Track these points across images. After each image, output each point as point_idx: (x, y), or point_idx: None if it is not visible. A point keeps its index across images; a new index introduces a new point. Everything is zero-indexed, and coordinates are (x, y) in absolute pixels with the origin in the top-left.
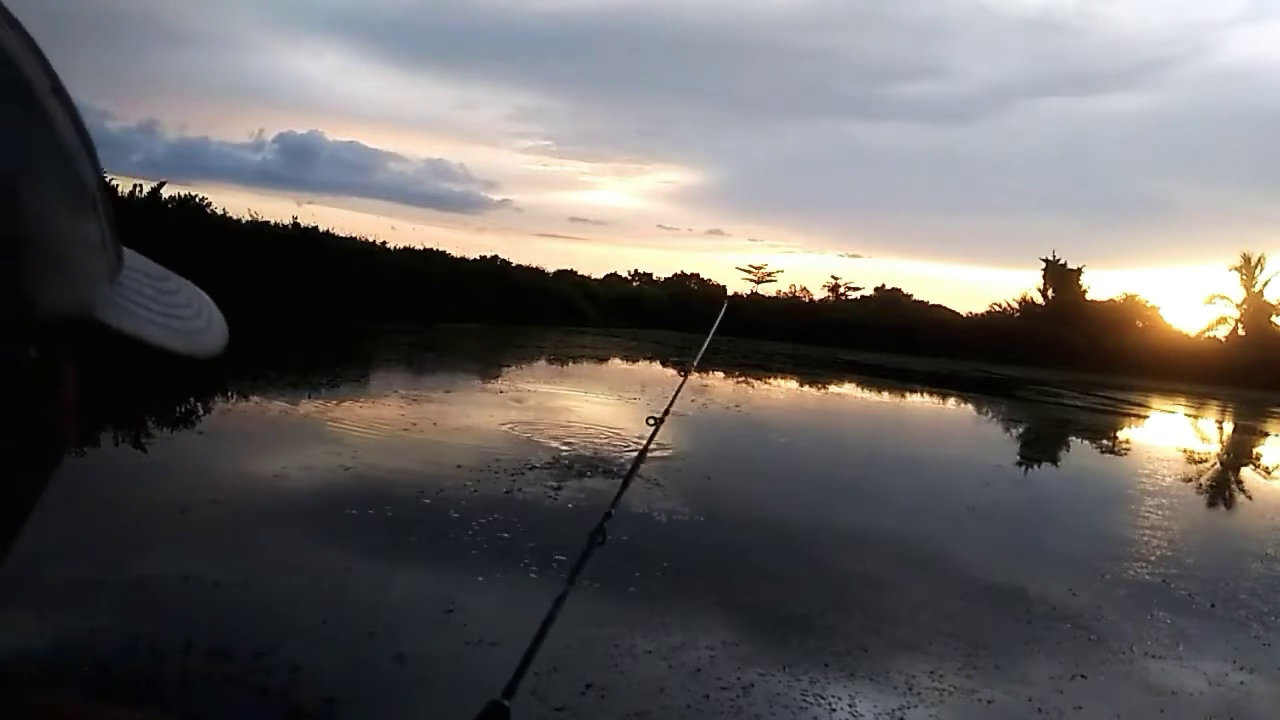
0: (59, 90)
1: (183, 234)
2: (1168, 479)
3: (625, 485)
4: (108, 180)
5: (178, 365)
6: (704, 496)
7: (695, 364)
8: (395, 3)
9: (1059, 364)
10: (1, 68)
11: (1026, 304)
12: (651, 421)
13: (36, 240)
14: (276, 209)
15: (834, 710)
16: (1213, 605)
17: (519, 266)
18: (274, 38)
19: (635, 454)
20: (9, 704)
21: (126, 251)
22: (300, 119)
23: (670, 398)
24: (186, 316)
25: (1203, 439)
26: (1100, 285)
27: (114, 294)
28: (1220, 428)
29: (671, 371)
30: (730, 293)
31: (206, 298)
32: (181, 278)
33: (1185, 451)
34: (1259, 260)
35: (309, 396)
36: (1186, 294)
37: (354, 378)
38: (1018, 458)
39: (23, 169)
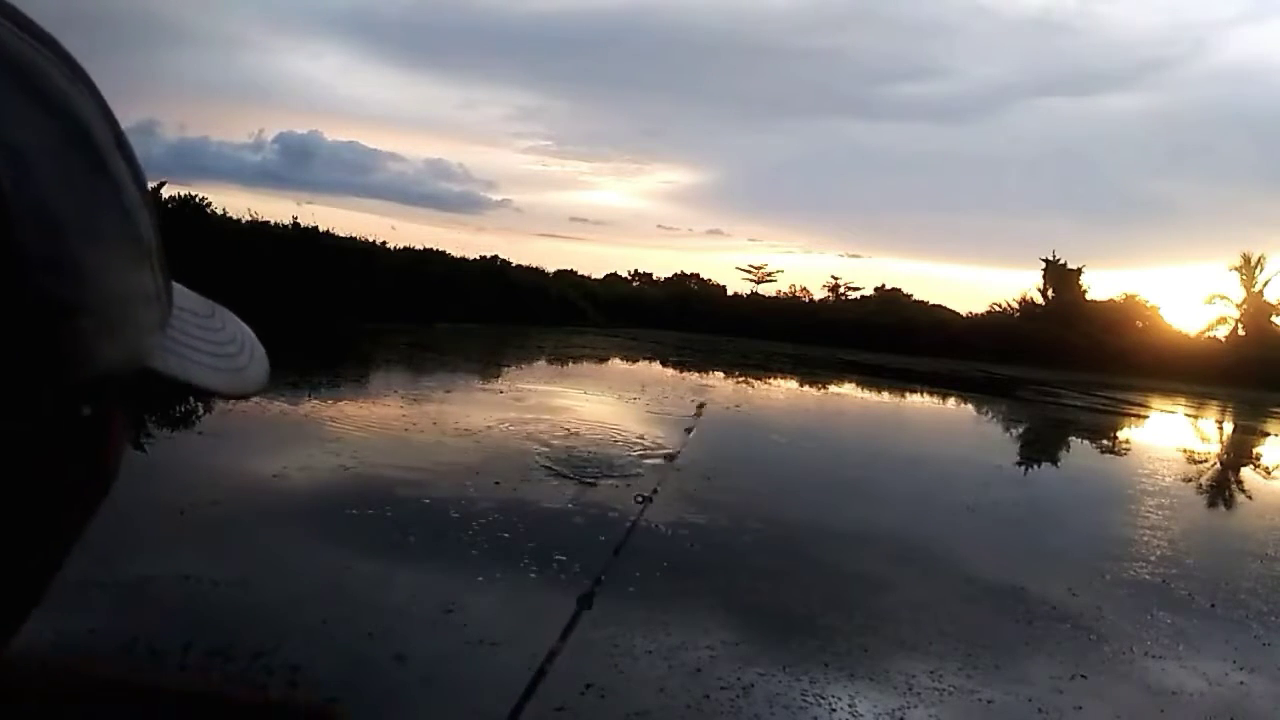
0: (122, 145)
1: (183, 234)
2: (1168, 479)
3: (617, 552)
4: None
5: (221, 399)
6: (704, 497)
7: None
8: (395, 3)
9: (1059, 364)
10: (71, 125)
11: (1026, 304)
12: (640, 500)
13: (95, 303)
14: (276, 209)
15: (834, 710)
16: (1213, 605)
17: (519, 266)
18: (274, 38)
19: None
20: None
21: (175, 288)
22: (300, 119)
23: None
24: (231, 354)
25: (1203, 439)
26: (1100, 285)
27: (164, 340)
28: (1220, 428)
29: (672, 371)
30: (730, 293)
31: (248, 330)
32: (224, 309)
33: (1185, 451)
34: (1259, 260)
35: (309, 396)
36: (1186, 294)
37: (354, 378)
38: (1018, 458)
39: (89, 232)
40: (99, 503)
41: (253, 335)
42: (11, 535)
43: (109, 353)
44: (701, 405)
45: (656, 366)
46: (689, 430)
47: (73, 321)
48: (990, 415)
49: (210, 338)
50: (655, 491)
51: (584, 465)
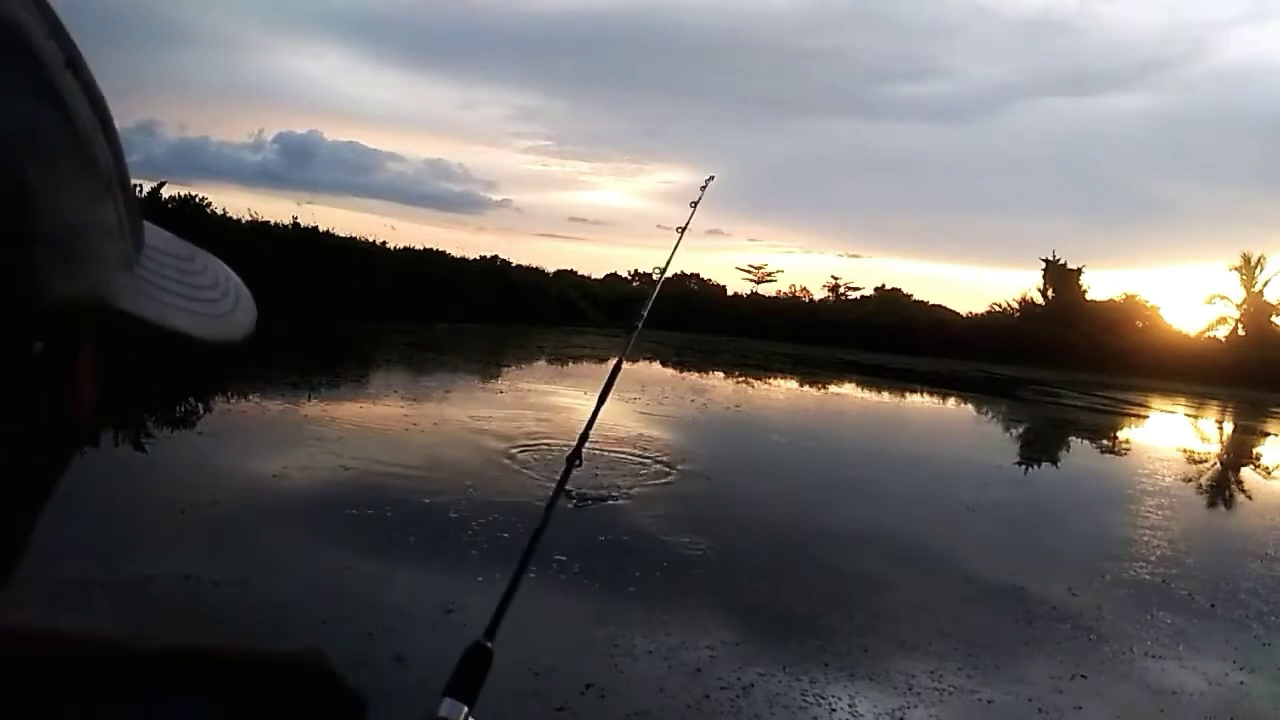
0: (74, 64)
1: (182, 234)
2: (1168, 479)
3: (597, 411)
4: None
5: (205, 350)
6: (704, 497)
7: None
8: (395, 3)
9: (1059, 364)
10: (12, 42)
11: (1026, 304)
12: (576, 464)
13: (45, 228)
14: (276, 209)
15: (834, 710)
16: (1213, 605)
17: (519, 266)
18: (274, 38)
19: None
20: None
21: (149, 229)
22: (300, 119)
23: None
24: (213, 299)
25: (1203, 439)
26: (1100, 285)
27: (133, 280)
28: (1220, 428)
29: (672, 371)
30: (730, 293)
31: (233, 275)
32: (207, 253)
33: (1185, 451)
34: (1259, 260)
35: (308, 396)
36: (1186, 294)
37: (354, 378)
38: (1018, 458)
39: (30, 151)
40: (69, 452)
41: (238, 280)
42: None
43: (61, 285)
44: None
45: (656, 366)
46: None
47: (20, 248)
48: (990, 415)
49: (190, 282)
50: (579, 459)
51: (585, 464)
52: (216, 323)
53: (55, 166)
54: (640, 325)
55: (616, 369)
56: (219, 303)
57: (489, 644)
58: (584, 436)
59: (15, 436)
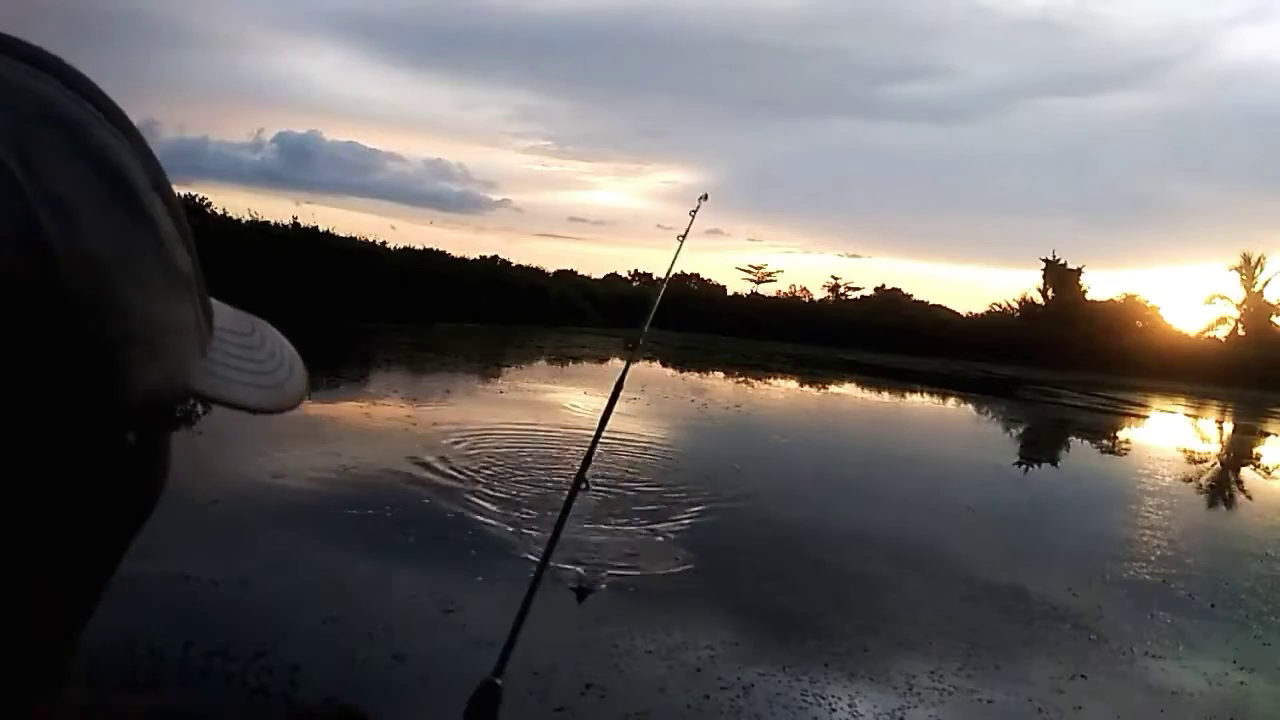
0: (160, 186)
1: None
2: (1168, 479)
3: (599, 436)
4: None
5: (264, 414)
6: (704, 496)
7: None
8: (395, 3)
9: (1059, 364)
10: (112, 174)
11: (1026, 304)
12: (584, 487)
13: (137, 335)
14: (276, 209)
15: (834, 710)
16: (1213, 605)
17: (519, 266)
18: (274, 38)
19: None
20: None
21: (216, 307)
22: (299, 119)
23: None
24: (271, 369)
25: (1203, 439)
26: (1100, 285)
27: (207, 364)
28: (1220, 428)
29: (672, 371)
30: (730, 293)
31: (285, 342)
32: (263, 323)
33: (1185, 451)
34: (1259, 260)
35: (308, 397)
36: (1186, 294)
37: (353, 378)
38: (1018, 458)
39: (125, 268)
40: (144, 522)
41: (291, 348)
42: (63, 561)
43: (151, 381)
44: (631, 346)
45: (656, 366)
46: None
47: (116, 355)
48: (990, 415)
49: (250, 356)
50: (588, 482)
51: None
52: (274, 393)
53: (145, 278)
54: (634, 355)
55: (615, 396)
56: (275, 373)
57: (498, 681)
58: (586, 460)
59: (104, 519)
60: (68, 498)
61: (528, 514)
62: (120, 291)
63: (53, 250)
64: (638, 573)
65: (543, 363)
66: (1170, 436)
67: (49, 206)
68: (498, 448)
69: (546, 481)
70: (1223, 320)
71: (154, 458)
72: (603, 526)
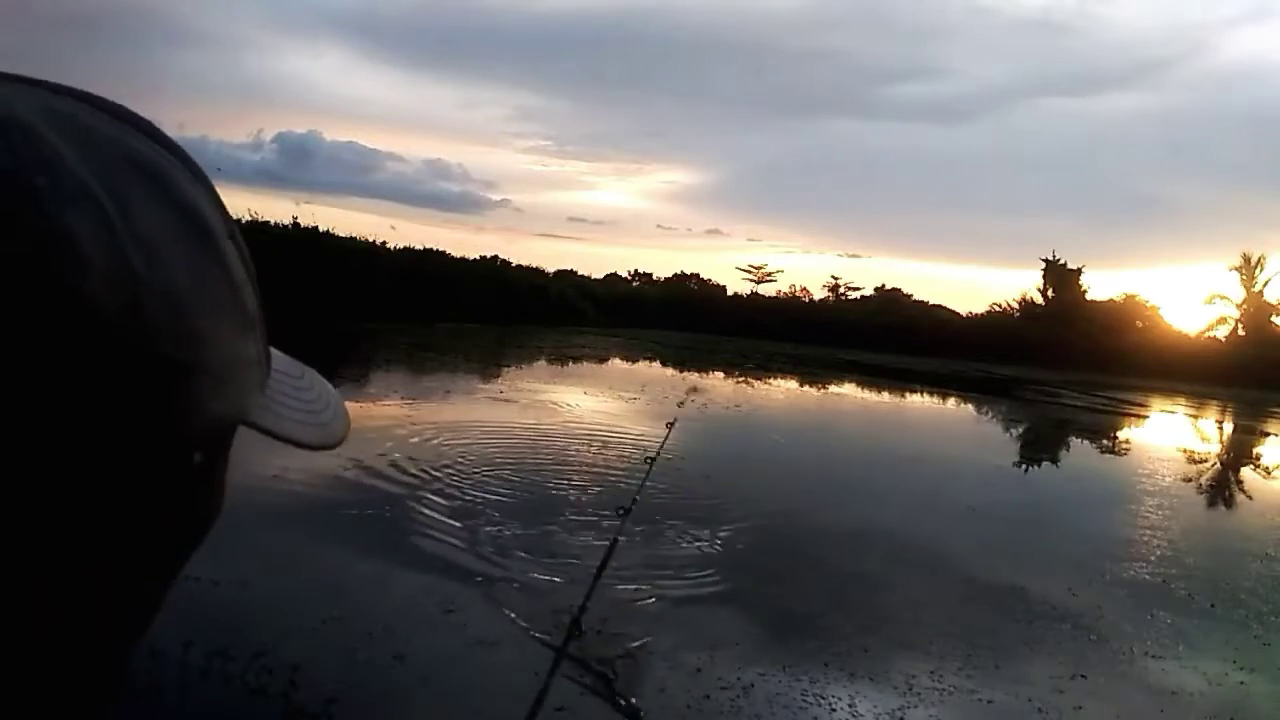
0: (234, 235)
1: None
2: (1168, 479)
3: (599, 576)
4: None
5: (309, 450)
6: (704, 496)
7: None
8: (395, 3)
9: (1059, 364)
10: (191, 219)
11: (1026, 304)
12: (620, 512)
13: (208, 364)
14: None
15: (834, 710)
16: (1213, 605)
17: (518, 266)
18: (274, 38)
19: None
20: None
21: (273, 353)
22: (299, 119)
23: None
24: (318, 410)
25: (1203, 439)
26: (1100, 285)
27: (264, 400)
28: (1220, 428)
29: (672, 371)
30: (730, 293)
31: (330, 388)
32: (312, 370)
33: (1185, 451)
34: (1259, 260)
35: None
36: (1186, 294)
37: (353, 378)
38: (1018, 457)
39: (201, 303)
40: (200, 541)
41: (335, 393)
42: (128, 573)
43: (218, 407)
44: (690, 392)
45: (656, 366)
46: (671, 423)
47: (190, 380)
48: (990, 415)
49: (300, 396)
50: (634, 502)
51: (585, 464)
52: (319, 430)
53: (217, 313)
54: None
55: (618, 531)
56: (321, 414)
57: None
58: (583, 607)
59: (176, 531)
60: (138, 510)
61: (528, 514)
62: (196, 323)
63: (138, 281)
64: (637, 572)
65: (543, 363)
66: (1170, 436)
67: (137, 243)
68: (498, 448)
69: (546, 481)
70: (1223, 320)
71: (214, 480)
72: (602, 527)
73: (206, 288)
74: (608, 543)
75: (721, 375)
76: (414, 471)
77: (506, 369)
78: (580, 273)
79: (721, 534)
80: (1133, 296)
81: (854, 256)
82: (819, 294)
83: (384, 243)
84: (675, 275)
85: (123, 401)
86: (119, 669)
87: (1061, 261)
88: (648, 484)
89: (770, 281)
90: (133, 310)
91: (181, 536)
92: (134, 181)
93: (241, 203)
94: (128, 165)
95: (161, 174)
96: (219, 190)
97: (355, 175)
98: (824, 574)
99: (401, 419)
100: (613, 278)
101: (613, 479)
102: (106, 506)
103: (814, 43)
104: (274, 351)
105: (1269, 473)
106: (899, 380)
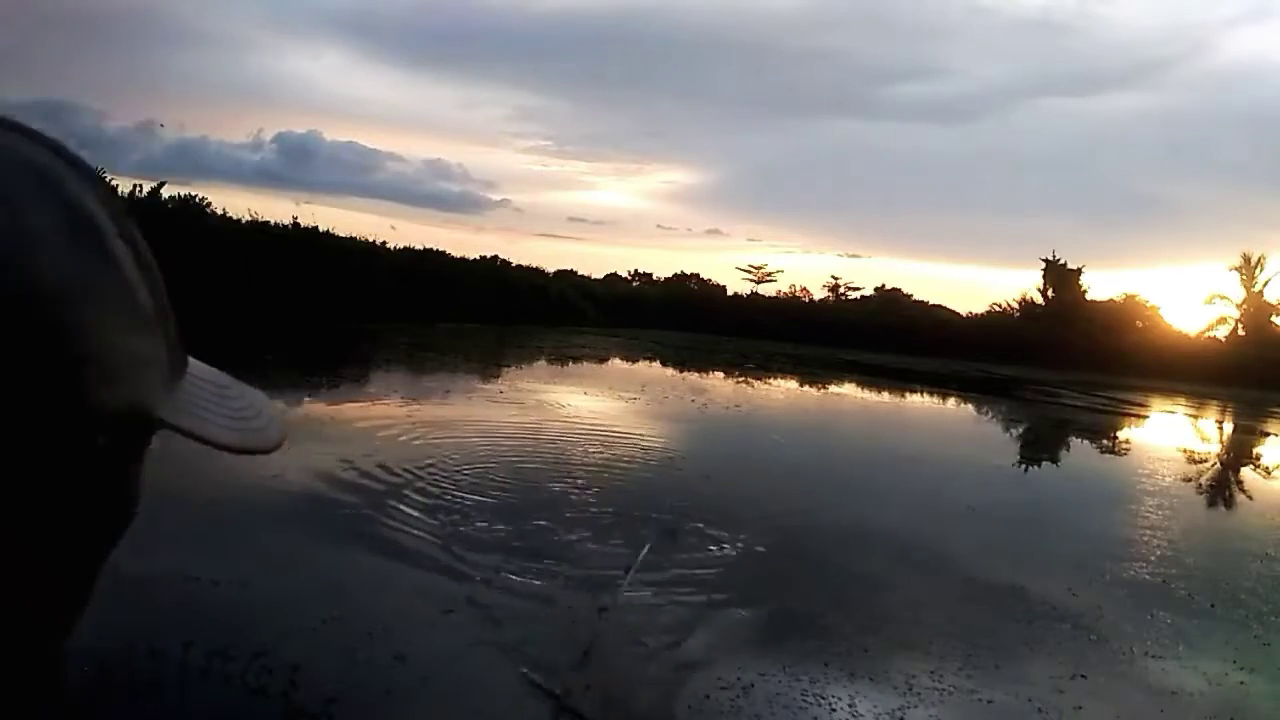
0: (130, 237)
1: (183, 234)
2: (1168, 479)
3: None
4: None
5: (236, 453)
6: (703, 495)
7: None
8: (395, 3)
9: (1059, 364)
10: (76, 215)
11: (1026, 304)
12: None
13: (90, 351)
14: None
15: (834, 710)
16: (1213, 605)
17: (518, 266)
18: (274, 38)
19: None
20: None
21: (196, 364)
22: (299, 119)
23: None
24: (246, 417)
25: (1203, 439)
26: (1100, 285)
27: (172, 397)
28: (1220, 428)
29: (671, 371)
30: (730, 293)
31: (269, 402)
32: (248, 386)
33: (1185, 451)
34: (1259, 260)
35: (308, 396)
36: (1186, 294)
37: (353, 378)
38: (1018, 457)
39: (83, 294)
40: (120, 535)
41: (273, 406)
42: (46, 563)
43: (109, 397)
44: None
45: (656, 366)
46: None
47: (76, 368)
48: (990, 415)
49: (226, 404)
50: (630, 570)
51: (586, 464)
52: (247, 435)
53: (106, 308)
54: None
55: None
56: (252, 420)
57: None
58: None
59: (84, 518)
60: (49, 494)
61: (527, 514)
62: (83, 316)
63: (23, 275)
64: (638, 573)
65: (543, 363)
66: (1170, 436)
67: (22, 239)
68: (498, 448)
69: (545, 482)
70: (1223, 320)
71: (127, 473)
72: (601, 526)
73: (94, 284)
74: (608, 543)
75: (721, 375)
76: (413, 471)
77: (506, 369)
78: (580, 273)
79: (721, 534)
80: (1133, 296)
81: (854, 256)
82: (819, 294)
83: (384, 243)
84: (675, 275)
85: (10, 388)
86: (45, 667)
87: (1061, 261)
88: (647, 484)
89: (770, 281)
90: (16, 302)
91: (93, 526)
92: (22, 182)
93: (241, 203)
94: (16, 168)
95: (50, 175)
96: (218, 190)
97: (355, 175)
98: (824, 574)
99: (400, 419)
100: (613, 278)
101: (613, 479)
102: (12, 489)
103: (814, 43)
104: (199, 363)
105: (1269, 473)
106: (899, 380)
